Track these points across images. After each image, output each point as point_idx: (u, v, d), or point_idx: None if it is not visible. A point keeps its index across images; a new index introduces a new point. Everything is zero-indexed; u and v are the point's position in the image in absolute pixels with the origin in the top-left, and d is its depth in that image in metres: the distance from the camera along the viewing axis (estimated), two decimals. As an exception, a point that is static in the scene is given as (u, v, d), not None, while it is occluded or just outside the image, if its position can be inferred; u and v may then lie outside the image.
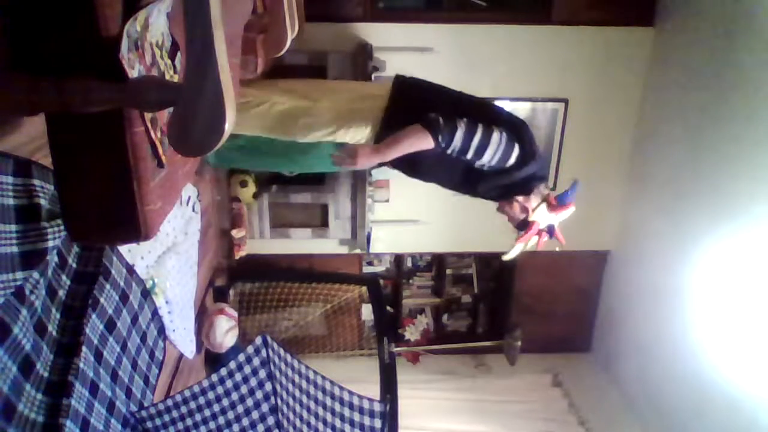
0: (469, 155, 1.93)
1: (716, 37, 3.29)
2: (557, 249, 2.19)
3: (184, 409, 1.92)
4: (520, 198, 2.05)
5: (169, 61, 1.02)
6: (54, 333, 1.51)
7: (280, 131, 2.15)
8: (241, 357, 1.83)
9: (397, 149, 1.91)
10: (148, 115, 0.95)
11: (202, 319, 3.23)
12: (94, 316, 1.67)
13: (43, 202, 1.32)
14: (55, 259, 1.50)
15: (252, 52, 1.83)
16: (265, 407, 1.92)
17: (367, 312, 4.55)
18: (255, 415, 1.93)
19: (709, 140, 3.33)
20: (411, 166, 2.11)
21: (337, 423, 1.77)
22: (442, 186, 2.24)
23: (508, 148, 1.94)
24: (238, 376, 1.86)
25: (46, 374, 1.45)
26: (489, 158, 1.94)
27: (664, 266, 3.73)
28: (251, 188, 3.67)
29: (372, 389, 3.26)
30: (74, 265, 1.63)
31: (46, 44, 0.84)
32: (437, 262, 4.83)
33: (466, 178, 2.07)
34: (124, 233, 1.01)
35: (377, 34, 3.71)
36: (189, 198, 2.84)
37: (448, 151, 1.92)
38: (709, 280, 3.31)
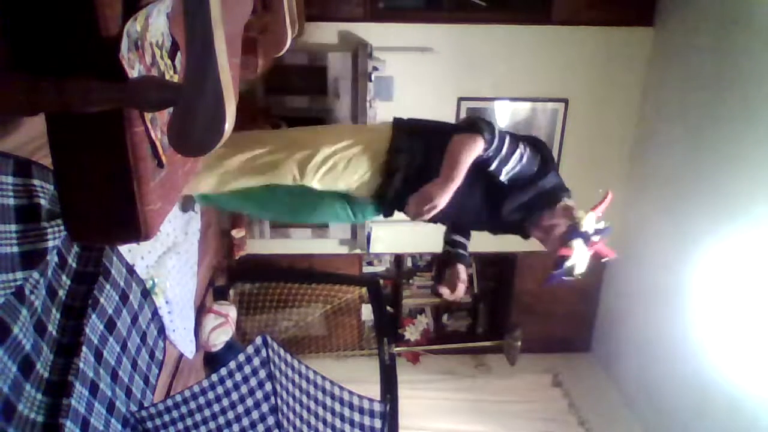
0: (502, 157, 1.81)
1: (716, 37, 3.29)
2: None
3: (184, 409, 1.92)
4: (547, 215, 1.89)
5: (169, 61, 1.02)
6: (54, 333, 1.52)
7: (270, 174, 1.94)
8: (241, 357, 1.83)
9: (459, 166, 1.76)
10: (148, 115, 0.95)
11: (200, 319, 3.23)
12: (94, 316, 1.67)
13: (43, 202, 1.32)
14: (55, 259, 1.50)
15: (252, 52, 1.83)
16: (265, 407, 1.92)
17: (367, 312, 4.55)
18: (255, 415, 1.93)
19: (709, 140, 3.33)
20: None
21: (337, 423, 1.77)
22: (465, 220, 2.10)
23: (532, 155, 1.86)
24: (238, 376, 1.86)
25: (46, 374, 1.45)
26: (515, 163, 1.82)
27: (664, 266, 3.73)
28: None
29: (372, 389, 3.27)
30: (74, 265, 1.63)
31: (46, 44, 0.84)
32: (437, 262, 4.83)
33: (489, 202, 1.92)
34: (124, 233, 1.01)
35: (377, 34, 3.71)
36: (189, 198, 2.84)
37: (490, 151, 1.78)
38: (710, 280, 3.31)
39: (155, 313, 2.25)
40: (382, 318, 3.74)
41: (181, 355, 2.76)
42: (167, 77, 1.01)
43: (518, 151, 1.81)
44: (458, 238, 2.24)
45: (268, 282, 4.27)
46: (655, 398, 3.87)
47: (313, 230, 4.02)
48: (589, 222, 1.84)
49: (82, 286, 1.65)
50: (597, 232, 1.87)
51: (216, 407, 1.91)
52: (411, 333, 4.77)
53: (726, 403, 3.17)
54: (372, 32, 3.72)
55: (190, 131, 0.85)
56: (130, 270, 1.99)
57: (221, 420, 1.93)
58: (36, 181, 1.30)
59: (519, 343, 4.05)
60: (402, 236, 4.16)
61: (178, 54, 1.04)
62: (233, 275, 3.89)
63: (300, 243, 4.12)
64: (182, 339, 2.68)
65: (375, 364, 3.61)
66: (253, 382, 1.87)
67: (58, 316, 1.54)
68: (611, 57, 3.89)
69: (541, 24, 3.79)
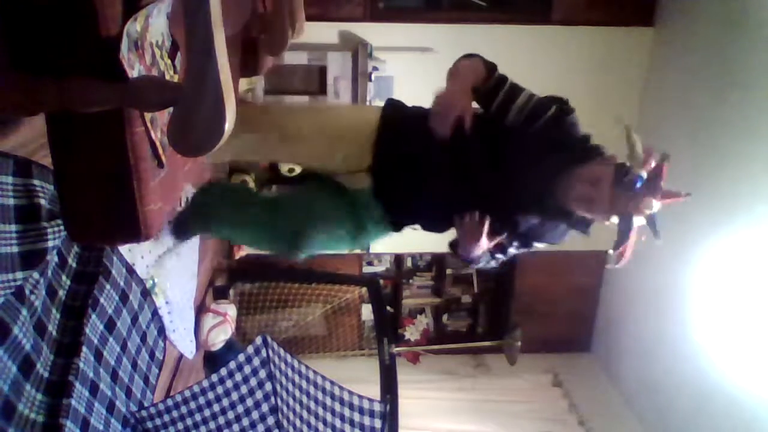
0: (507, 90, 1.56)
1: (716, 37, 3.29)
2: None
3: (184, 409, 1.92)
4: (587, 169, 1.49)
5: (169, 61, 1.02)
6: (54, 333, 1.52)
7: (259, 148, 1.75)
8: (241, 357, 1.83)
9: (459, 75, 1.57)
10: (148, 115, 0.95)
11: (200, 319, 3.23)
12: (94, 316, 1.67)
13: (43, 202, 1.32)
14: (55, 259, 1.50)
15: (252, 52, 1.82)
16: (265, 407, 1.92)
17: (367, 312, 4.55)
18: (255, 415, 1.93)
19: (709, 140, 3.33)
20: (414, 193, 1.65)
21: (337, 423, 1.77)
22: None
23: (541, 98, 1.62)
24: (238, 376, 1.86)
25: (45, 374, 1.45)
26: (524, 100, 1.56)
27: (664, 266, 3.73)
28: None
29: (372, 389, 3.26)
30: (74, 265, 1.63)
31: (46, 44, 0.84)
32: (437, 262, 4.83)
33: (504, 167, 1.54)
34: (124, 233, 1.01)
35: (377, 34, 3.71)
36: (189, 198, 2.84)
37: (492, 81, 1.55)
38: (710, 279, 3.31)
39: (155, 312, 2.25)
40: (382, 318, 3.74)
41: (181, 355, 2.76)
42: (167, 77, 1.01)
43: (526, 91, 1.60)
44: None
45: (268, 282, 4.27)
46: (655, 398, 3.87)
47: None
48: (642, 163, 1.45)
49: (82, 286, 1.65)
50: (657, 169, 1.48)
51: (216, 407, 1.91)
52: (411, 333, 4.77)
53: (725, 403, 3.17)
54: (372, 32, 3.71)
55: (190, 131, 0.85)
56: (130, 270, 1.99)
57: (221, 420, 1.93)
58: (36, 181, 1.30)
59: (519, 343, 4.05)
60: (402, 236, 4.14)
61: (178, 54, 1.04)
62: (233, 275, 3.89)
63: (300, 243, 4.12)
64: (182, 339, 2.68)
65: (375, 364, 3.60)
66: (253, 382, 1.87)
67: (58, 316, 1.54)
68: (611, 57, 3.89)
69: (541, 24, 3.79)
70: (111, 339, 1.81)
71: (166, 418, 1.95)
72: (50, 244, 1.36)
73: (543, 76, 3.90)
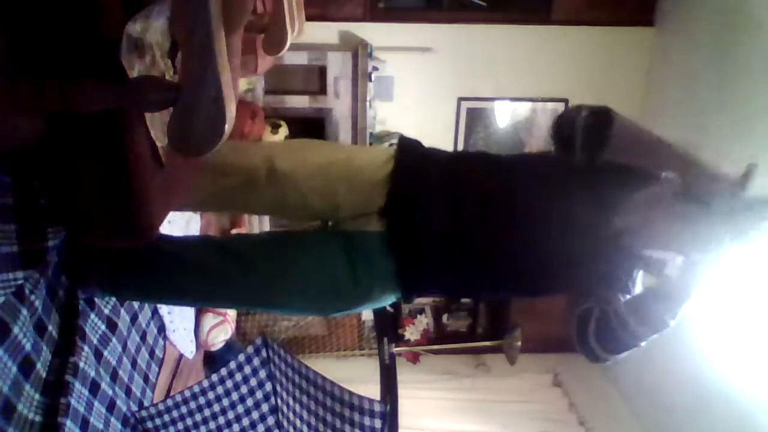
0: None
1: (716, 36, 3.29)
2: None
3: (184, 409, 1.92)
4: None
5: (169, 61, 1.02)
6: (54, 333, 1.51)
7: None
8: (241, 357, 1.84)
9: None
10: (148, 115, 0.95)
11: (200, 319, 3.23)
12: (93, 315, 1.67)
13: (43, 202, 1.32)
14: (55, 259, 1.50)
15: (252, 52, 1.82)
16: (265, 407, 1.92)
17: (367, 312, 4.55)
18: (255, 415, 1.93)
19: (710, 140, 3.33)
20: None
21: (337, 423, 1.77)
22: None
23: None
24: (238, 377, 1.86)
25: (44, 375, 1.45)
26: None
27: (664, 266, 3.73)
28: (283, 132, 3.49)
29: (372, 389, 3.26)
30: (74, 265, 1.63)
31: (46, 45, 0.84)
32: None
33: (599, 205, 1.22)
34: (124, 233, 1.01)
35: (377, 34, 3.71)
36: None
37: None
38: (709, 278, 3.31)
39: (155, 311, 2.25)
40: (382, 318, 3.73)
41: (181, 355, 2.76)
42: (167, 77, 1.01)
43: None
44: None
45: (268, 282, 4.26)
46: (654, 398, 3.87)
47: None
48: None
49: (82, 286, 1.65)
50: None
51: (216, 407, 1.91)
52: (411, 333, 4.76)
53: (725, 403, 3.17)
54: (372, 32, 3.72)
55: (190, 132, 0.85)
56: (130, 270, 1.99)
57: (221, 420, 1.93)
58: (36, 181, 1.30)
59: (519, 343, 4.05)
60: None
61: (179, 54, 1.04)
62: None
63: (300, 243, 4.12)
64: (182, 339, 2.68)
65: (375, 364, 3.60)
66: (253, 382, 1.87)
67: (57, 316, 1.54)
68: (611, 57, 3.89)
69: (541, 24, 3.79)
70: (111, 338, 1.81)
71: (166, 418, 1.95)
72: (50, 243, 1.36)
73: (543, 76, 3.92)
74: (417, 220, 1.25)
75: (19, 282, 1.28)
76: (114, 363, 1.84)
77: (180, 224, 2.74)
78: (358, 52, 3.62)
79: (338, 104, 3.73)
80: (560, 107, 3.93)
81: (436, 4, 3.95)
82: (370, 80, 3.63)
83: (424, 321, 4.86)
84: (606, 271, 1.28)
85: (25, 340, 1.33)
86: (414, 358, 4.60)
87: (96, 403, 1.67)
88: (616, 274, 1.29)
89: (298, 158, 1.37)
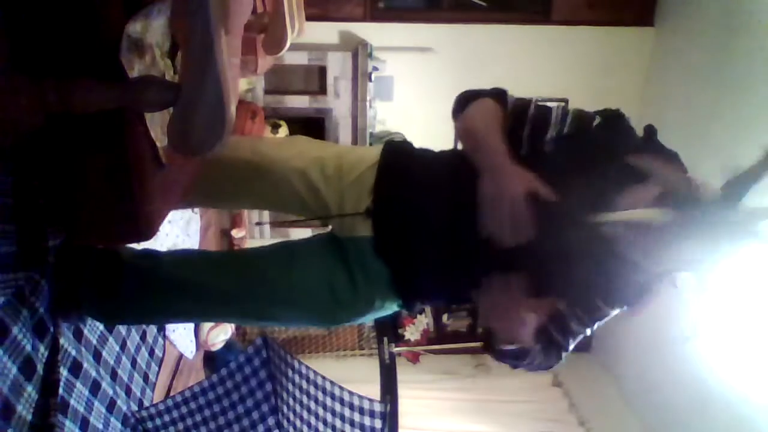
0: (534, 114, 1.28)
1: (716, 36, 3.29)
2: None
3: (184, 410, 1.92)
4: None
5: (169, 61, 1.02)
6: (54, 333, 1.51)
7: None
8: (242, 357, 1.84)
9: (483, 138, 1.20)
10: (148, 115, 0.95)
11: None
12: (94, 316, 1.67)
13: (43, 202, 1.32)
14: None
15: (252, 52, 1.83)
16: (265, 408, 1.92)
17: (367, 312, 4.55)
18: (255, 415, 1.93)
19: (710, 140, 3.33)
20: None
21: (337, 423, 1.77)
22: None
23: (577, 109, 1.29)
24: (238, 377, 1.86)
25: (44, 375, 1.45)
26: (557, 111, 1.29)
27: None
28: (283, 132, 3.57)
29: (372, 389, 3.26)
30: (74, 265, 1.63)
31: (46, 45, 0.84)
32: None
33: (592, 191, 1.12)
34: (124, 233, 1.01)
35: (377, 34, 3.71)
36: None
37: (509, 105, 1.31)
38: (709, 279, 3.31)
39: (155, 313, 2.25)
40: (382, 318, 3.73)
41: (181, 355, 2.76)
42: (167, 77, 1.01)
43: (555, 106, 1.28)
44: None
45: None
46: (654, 398, 3.87)
47: (313, 229, 4.01)
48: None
49: (82, 286, 1.65)
50: None
51: (216, 407, 1.91)
52: (411, 333, 4.76)
53: (725, 402, 3.17)
54: (372, 32, 3.72)
55: (190, 132, 0.85)
56: (130, 270, 1.99)
57: (221, 420, 1.93)
58: (36, 182, 1.30)
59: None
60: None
61: (178, 54, 1.04)
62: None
63: (300, 243, 4.12)
64: (182, 339, 2.68)
65: (375, 364, 3.60)
66: (253, 382, 1.87)
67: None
68: (611, 57, 3.90)
69: (541, 24, 3.80)
70: (110, 338, 1.80)
71: (166, 418, 1.95)
72: (50, 243, 1.36)
73: (543, 76, 3.92)
74: (403, 222, 1.22)
75: (20, 283, 1.28)
76: (112, 362, 1.84)
77: (180, 224, 2.74)
78: (358, 52, 3.62)
79: (338, 104, 3.73)
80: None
81: (436, 4, 3.95)
82: (370, 80, 3.63)
83: (424, 321, 4.86)
84: (602, 277, 1.21)
85: (25, 340, 1.33)
86: (414, 358, 4.60)
87: (96, 403, 1.67)
88: (613, 282, 1.23)
89: (288, 150, 1.36)
